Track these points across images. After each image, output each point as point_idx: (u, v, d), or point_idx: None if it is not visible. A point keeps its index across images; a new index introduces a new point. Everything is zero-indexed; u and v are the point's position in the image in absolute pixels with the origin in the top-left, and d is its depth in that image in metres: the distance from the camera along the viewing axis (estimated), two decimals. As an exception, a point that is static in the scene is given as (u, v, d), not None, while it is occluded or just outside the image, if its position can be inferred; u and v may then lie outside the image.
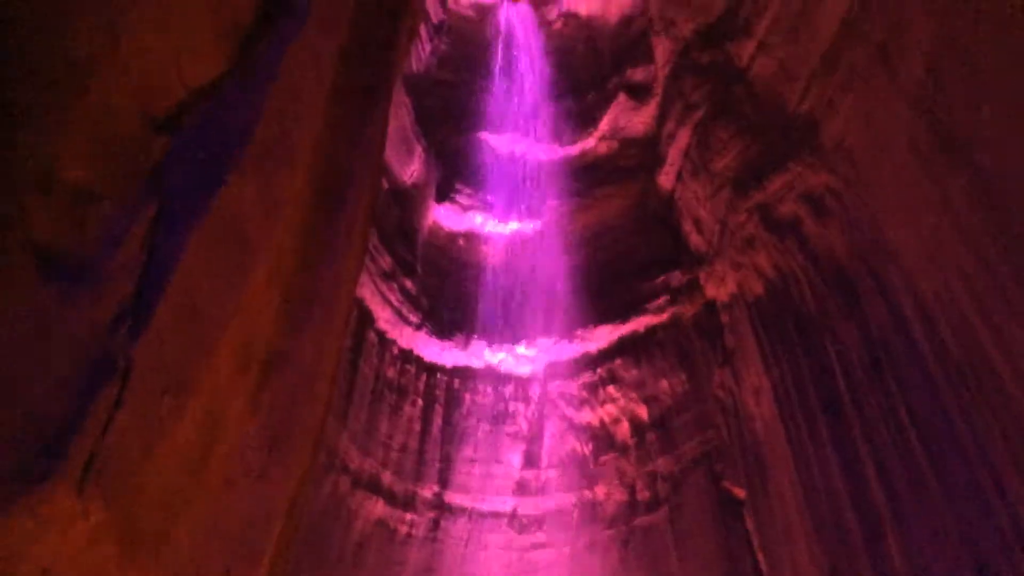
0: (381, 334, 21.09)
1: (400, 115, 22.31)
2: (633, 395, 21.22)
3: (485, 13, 31.02)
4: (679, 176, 21.45)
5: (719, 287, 19.49)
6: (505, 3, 31.73)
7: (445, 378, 22.48)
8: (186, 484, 5.68)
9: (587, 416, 21.75)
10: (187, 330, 5.39)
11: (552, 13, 30.40)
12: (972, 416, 11.91)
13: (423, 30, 26.65)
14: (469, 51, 29.22)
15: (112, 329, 4.66)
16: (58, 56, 4.51)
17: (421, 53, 26.84)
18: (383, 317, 21.12)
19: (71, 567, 4.35)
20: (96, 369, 4.48)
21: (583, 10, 28.92)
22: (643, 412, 20.90)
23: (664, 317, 21.56)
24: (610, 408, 21.46)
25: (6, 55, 4.20)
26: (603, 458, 20.99)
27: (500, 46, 30.03)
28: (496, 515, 20.92)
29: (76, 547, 4.34)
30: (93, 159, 4.74)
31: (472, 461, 21.44)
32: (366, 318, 20.42)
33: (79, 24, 4.63)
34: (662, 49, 22.54)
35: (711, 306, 20.11)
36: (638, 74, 24.62)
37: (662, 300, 21.61)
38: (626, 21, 26.48)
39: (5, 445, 3.86)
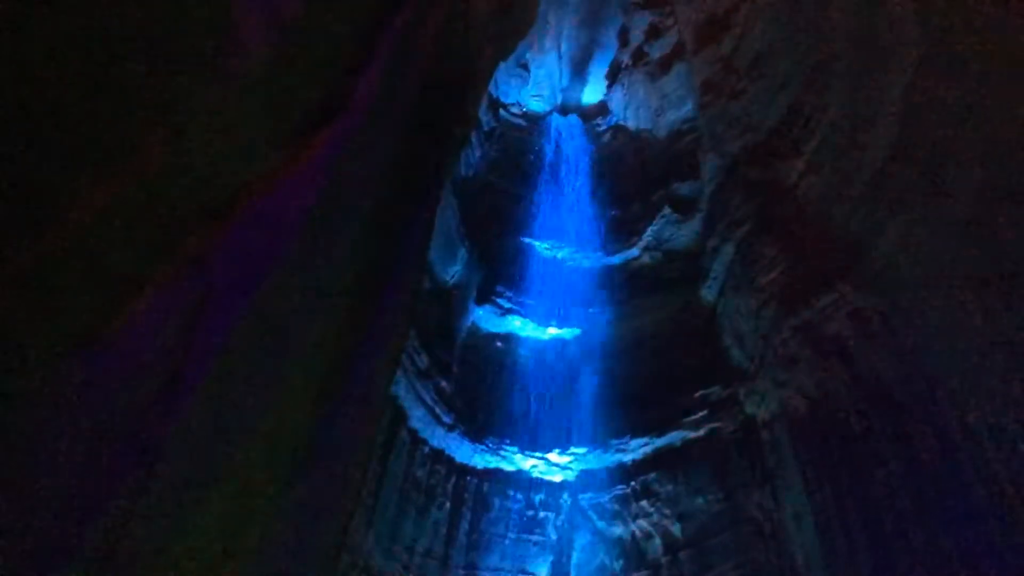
0: (413, 433, 20.80)
1: (446, 216, 22.64)
2: (667, 511, 20.49)
3: (536, 123, 31.93)
4: (722, 290, 21.37)
5: (760, 404, 19.04)
6: (555, 114, 32.68)
7: (475, 481, 21.98)
8: (204, 583, 5.44)
9: (618, 530, 21.01)
10: (219, 421, 5.29)
11: (602, 126, 31.18)
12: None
13: (474, 136, 27.37)
14: (518, 158, 29.95)
15: (144, 414, 4.57)
16: (116, 137, 4.51)
17: (471, 158, 27.45)
18: (416, 416, 20.85)
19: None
20: (123, 454, 4.38)
21: (632, 124, 29.60)
22: (677, 529, 20.20)
23: (701, 432, 21.02)
24: (642, 523, 20.73)
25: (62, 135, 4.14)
26: (633, 575, 20.22)
27: (548, 155, 30.75)
28: (519, 629, 20.18)
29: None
30: (141, 245, 4.75)
31: (497, 571, 20.74)
32: (399, 416, 20.16)
33: (137, 114, 4.68)
34: (709, 164, 22.86)
35: (750, 423, 19.62)
36: (684, 188, 25.01)
37: (700, 415, 21.05)
38: (675, 136, 27.01)
39: (20, 530, 3.68)
